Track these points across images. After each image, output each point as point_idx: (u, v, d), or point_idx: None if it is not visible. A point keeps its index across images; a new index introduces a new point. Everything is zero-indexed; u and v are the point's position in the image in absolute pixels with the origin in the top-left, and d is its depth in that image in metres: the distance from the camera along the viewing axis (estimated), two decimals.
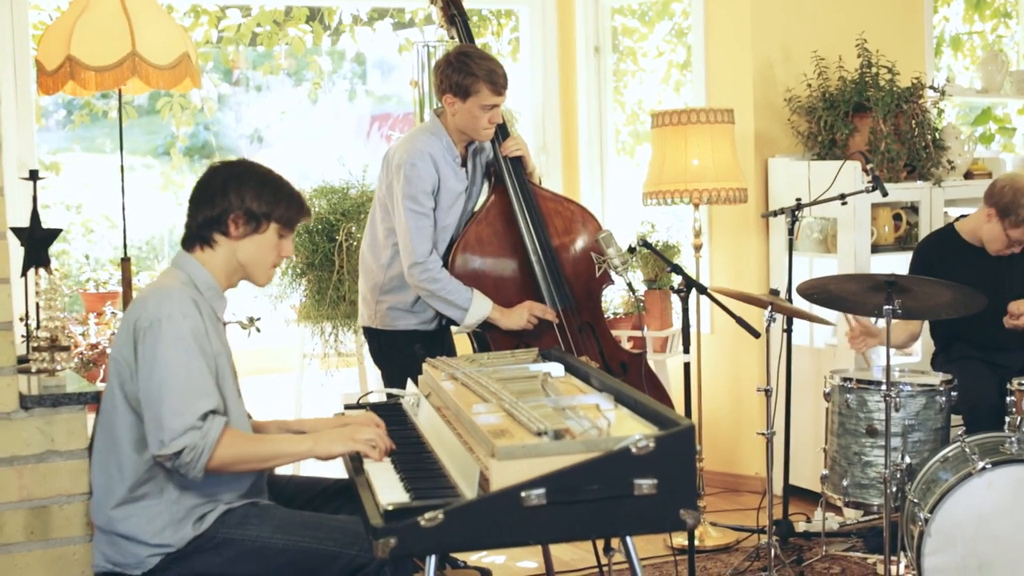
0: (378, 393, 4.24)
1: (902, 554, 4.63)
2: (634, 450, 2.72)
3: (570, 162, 7.09)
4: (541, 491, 2.67)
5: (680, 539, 5.41)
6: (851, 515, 5.66)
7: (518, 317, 4.78)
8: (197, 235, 3.43)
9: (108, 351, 5.07)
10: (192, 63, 4.55)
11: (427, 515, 2.64)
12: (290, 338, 6.13)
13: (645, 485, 2.73)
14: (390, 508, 2.77)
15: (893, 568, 4.60)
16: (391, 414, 3.87)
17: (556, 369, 3.73)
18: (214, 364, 3.30)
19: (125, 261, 4.72)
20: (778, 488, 5.65)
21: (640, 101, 7.31)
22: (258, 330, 5.35)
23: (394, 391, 4.04)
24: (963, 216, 5.50)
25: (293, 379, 6.11)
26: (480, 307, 4.73)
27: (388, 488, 2.97)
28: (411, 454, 3.30)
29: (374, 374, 6.07)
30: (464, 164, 4.86)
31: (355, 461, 3.32)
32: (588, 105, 7.05)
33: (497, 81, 4.67)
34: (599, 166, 7.09)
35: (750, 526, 5.64)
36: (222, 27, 6.76)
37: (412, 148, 4.71)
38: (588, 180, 7.07)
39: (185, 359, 3.20)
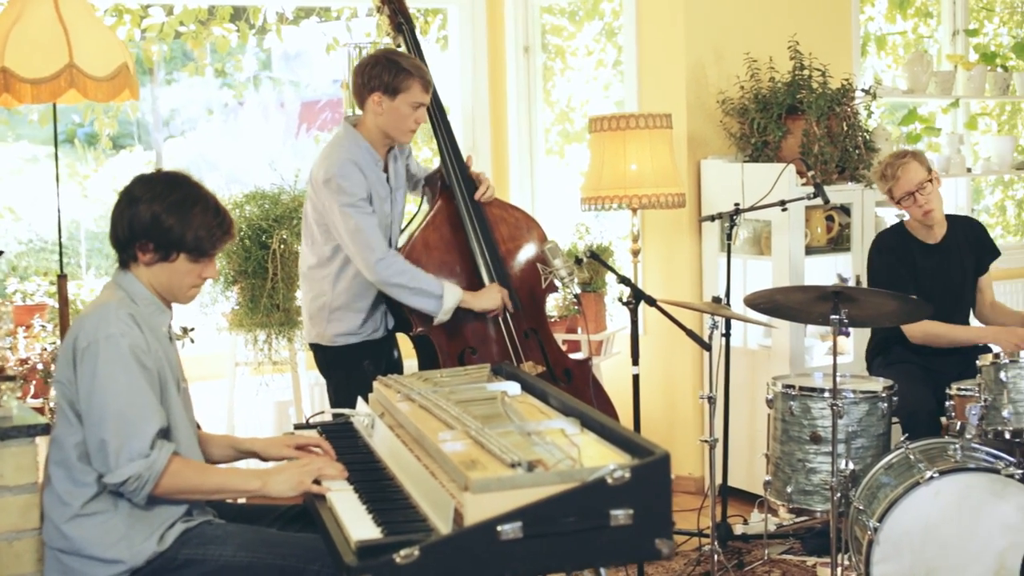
0: (327, 413, 4.17)
1: (843, 557, 4.66)
2: (610, 481, 2.69)
3: (499, 162, 7.05)
4: (517, 524, 2.62)
5: None
6: (787, 516, 5.69)
7: (491, 298, 4.77)
8: (118, 256, 3.37)
9: (38, 367, 4.94)
10: (131, 74, 4.43)
11: (403, 552, 2.58)
12: (221, 345, 6.01)
13: (621, 515, 2.70)
14: (363, 545, 2.71)
15: (837, 571, 4.63)
16: (343, 434, 3.81)
17: (512, 387, 3.69)
18: (156, 379, 3.25)
19: (61, 278, 4.59)
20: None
21: (569, 99, 7.29)
22: (192, 340, 5.26)
23: (343, 411, 3.97)
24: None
25: (225, 386, 6.01)
26: (452, 291, 4.69)
27: (357, 522, 2.90)
28: (373, 481, 3.24)
29: (307, 382, 6.00)
30: (385, 169, 4.80)
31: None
32: (518, 105, 7.01)
33: (426, 77, 4.69)
34: (528, 166, 7.05)
35: (689, 529, 5.63)
36: (145, 26, 6.61)
37: (335, 160, 4.64)
38: (517, 180, 7.03)
39: (126, 380, 3.15)
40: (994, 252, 5.57)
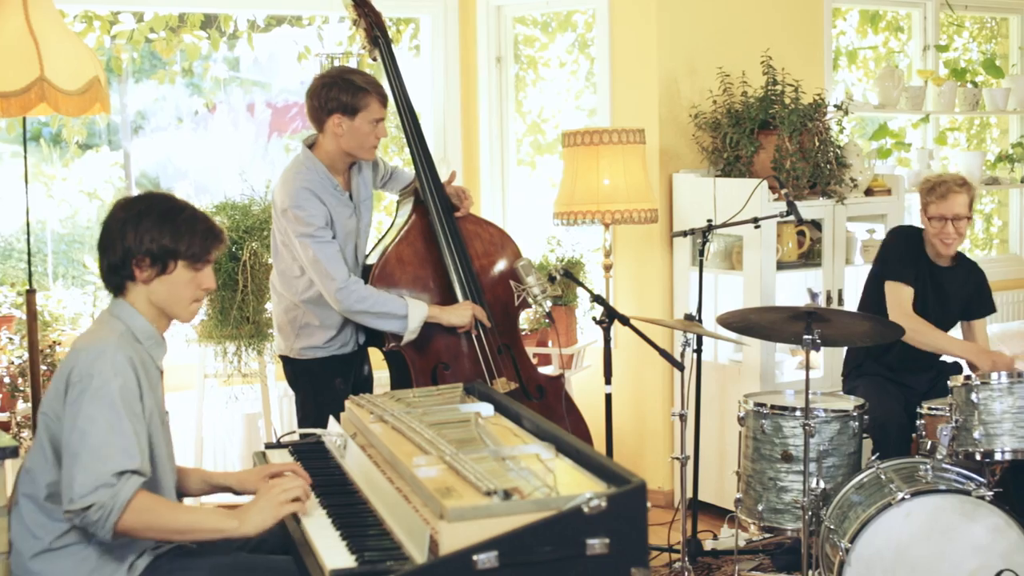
0: (298, 433, 4.15)
1: (814, 574, 4.66)
2: (586, 510, 2.67)
3: (471, 172, 7.02)
4: (493, 554, 2.60)
5: None
6: (757, 532, 5.69)
7: (461, 314, 4.75)
8: (109, 283, 3.34)
9: (5, 380, 4.89)
10: (102, 87, 4.38)
11: None
12: (190, 357, 5.97)
13: (597, 544, 2.69)
14: (338, 574, 2.69)
15: None
16: (315, 455, 3.79)
17: (485, 408, 3.68)
18: (145, 425, 3.19)
19: (30, 293, 4.54)
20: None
21: (541, 110, 7.27)
22: None
23: (314, 431, 3.94)
24: None
25: (193, 398, 5.96)
26: (418, 309, 4.67)
27: (331, 550, 2.88)
28: (346, 505, 3.21)
29: (276, 394, 5.96)
30: (348, 186, 4.80)
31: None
32: (489, 115, 6.98)
33: (383, 93, 4.69)
34: (500, 177, 7.03)
35: (659, 544, 5.63)
36: (115, 32, 6.55)
37: (292, 189, 4.62)
38: (488, 191, 7.01)
39: (109, 417, 3.08)
40: (988, 307, 5.53)
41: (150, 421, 3.22)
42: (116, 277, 3.30)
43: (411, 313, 4.64)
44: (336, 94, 4.60)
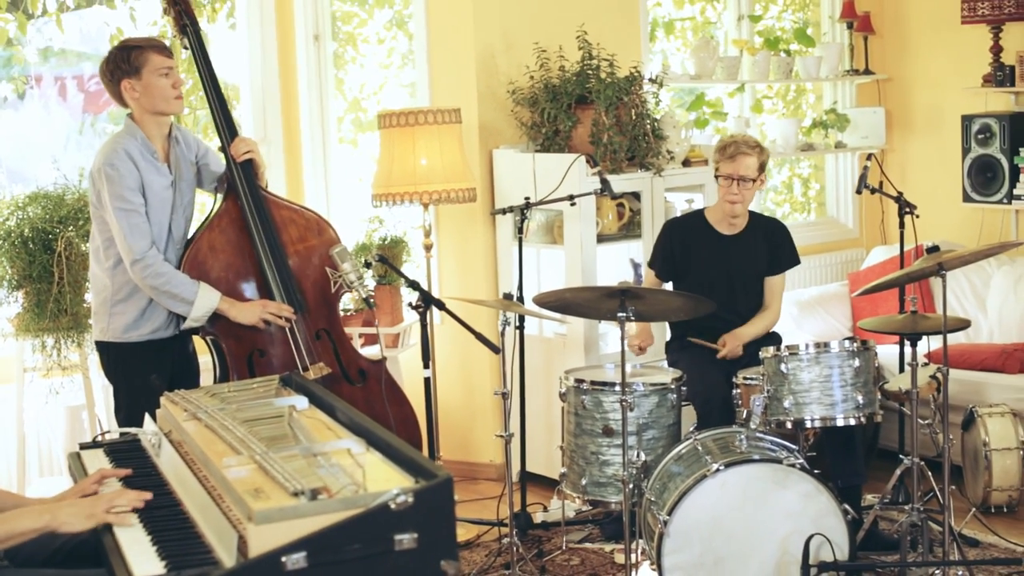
0: (114, 432, 4.09)
1: (640, 543, 4.75)
2: (393, 506, 2.70)
3: (292, 153, 6.96)
4: (302, 555, 2.62)
5: None
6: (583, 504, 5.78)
7: (250, 312, 4.76)
8: None
9: None
10: None
11: None
12: (7, 350, 5.84)
13: (406, 540, 2.72)
14: None
15: (632, 557, 4.72)
16: (130, 453, 3.75)
17: (300, 402, 3.68)
18: None
19: None
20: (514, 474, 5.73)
21: (362, 87, 7.24)
22: None
23: (130, 429, 3.90)
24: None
25: (13, 392, 5.83)
26: (207, 299, 4.70)
27: (140, 556, 2.85)
28: (159, 508, 3.18)
29: (100, 384, 5.86)
30: (167, 160, 4.81)
31: None
32: (309, 94, 6.92)
33: (159, 43, 4.78)
34: (322, 156, 6.98)
35: (490, 519, 5.68)
36: None
37: (108, 151, 4.70)
38: (311, 170, 6.95)
39: None
40: (792, 259, 5.69)
41: None
42: None
43: (197, 301, 4.68)
44: (117, 63, 4.70)
